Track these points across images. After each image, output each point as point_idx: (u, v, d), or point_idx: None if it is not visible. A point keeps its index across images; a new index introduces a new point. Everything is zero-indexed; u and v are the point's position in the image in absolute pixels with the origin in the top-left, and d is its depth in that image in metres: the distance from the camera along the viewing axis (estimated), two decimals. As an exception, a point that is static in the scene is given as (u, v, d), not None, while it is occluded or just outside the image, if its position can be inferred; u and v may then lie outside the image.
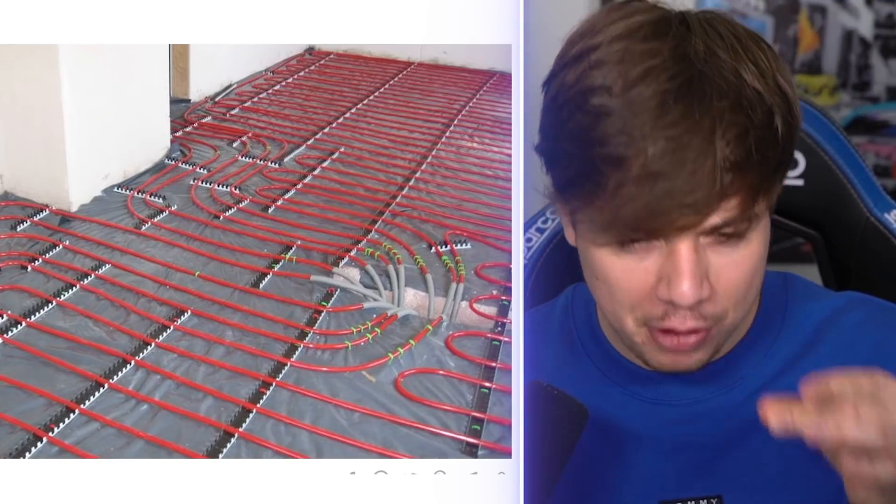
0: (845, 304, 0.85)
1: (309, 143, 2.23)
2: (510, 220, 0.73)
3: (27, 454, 1.11)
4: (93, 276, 1.52)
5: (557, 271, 1.03)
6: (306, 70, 2.82)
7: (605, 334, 0.86)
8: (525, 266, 1.04)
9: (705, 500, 0.82)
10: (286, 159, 2.12)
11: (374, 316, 1.47)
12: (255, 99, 2.52)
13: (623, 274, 0.74)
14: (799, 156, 1.05)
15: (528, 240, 1.04)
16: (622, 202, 0.69)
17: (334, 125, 2.36)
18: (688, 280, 0.70)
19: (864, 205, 1.07)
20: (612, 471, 0.83)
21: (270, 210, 1.84)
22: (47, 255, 1.58)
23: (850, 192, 1.07)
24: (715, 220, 0.70)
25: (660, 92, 0.68)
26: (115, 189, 1.85)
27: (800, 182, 1.06)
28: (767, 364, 0.83)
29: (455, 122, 2.41)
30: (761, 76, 0.70)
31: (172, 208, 1.81)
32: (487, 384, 1.30)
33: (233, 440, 1.16)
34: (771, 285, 0.85)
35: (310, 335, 1.40)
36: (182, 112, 2.32)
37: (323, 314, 1.47)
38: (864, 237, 1.07)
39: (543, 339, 0.89)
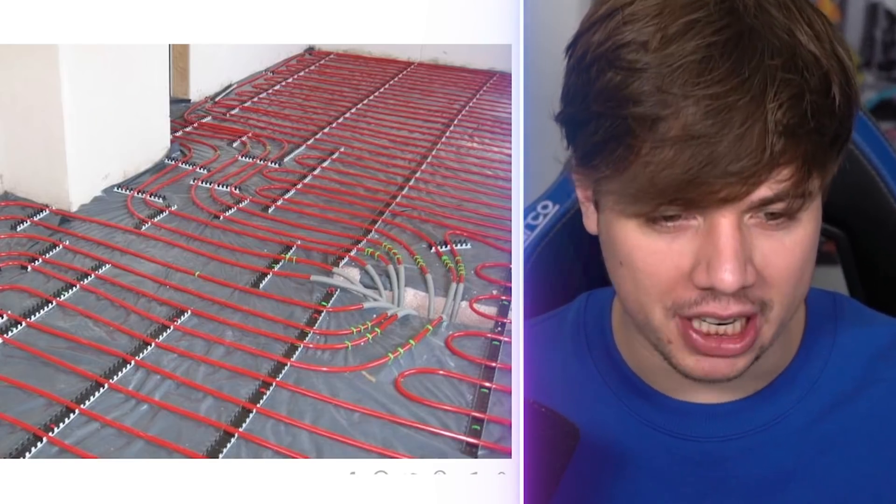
0: None
1: (309, 143, 2.23)
2: (510, 220, 0.73)
3: (27, 454, 1.11)
4: (93, 276, 1.52)
5: (553, 270, 1.02)
6: (306, 70, 2.82)
7: (620, 351, 0.77)
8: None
9: None
10: (286, 159, 2.11)
11: (374, 316, 1.47)
12: (255, 99, 2.52)
13: (652, 257, 0.65)
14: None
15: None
16: (657, 169, 0.61)
17: (334, 125, 2.36)
18: (730, 262, 0.62)
19: (894, 198, 0.96)
20: None
21: (270, 210, 1.84)
22: (47, 255, 1.57)
23: (878, 185, 0.96)
24: (764, 192, 0.61)
25: (703, 46, 0.60)
26: (115, 189, 1.85)
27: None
28: (812, 399, 0.73)
29: (455, 122, 2.41)
30: (817, 39, 0.62)
31: (172, 208, 1.80)
32: (487, 384, 1.30)
33: (233, 440, 1.16)
34: (818, 306, 0.76)
35: (310, 335, 1.40)
36: (182, 112, 2.32)
37: (323, 314, 1.46)
38: (893, 234, 0.97)
39: (552, 355, 0.80)
